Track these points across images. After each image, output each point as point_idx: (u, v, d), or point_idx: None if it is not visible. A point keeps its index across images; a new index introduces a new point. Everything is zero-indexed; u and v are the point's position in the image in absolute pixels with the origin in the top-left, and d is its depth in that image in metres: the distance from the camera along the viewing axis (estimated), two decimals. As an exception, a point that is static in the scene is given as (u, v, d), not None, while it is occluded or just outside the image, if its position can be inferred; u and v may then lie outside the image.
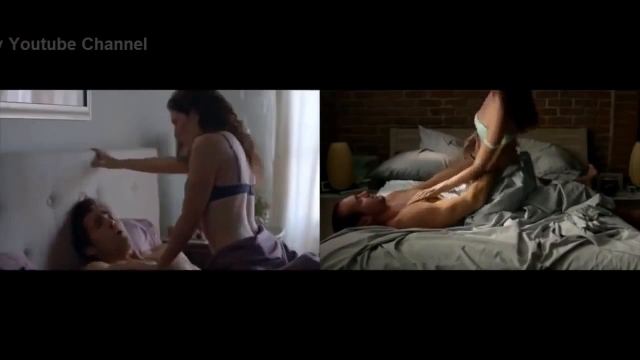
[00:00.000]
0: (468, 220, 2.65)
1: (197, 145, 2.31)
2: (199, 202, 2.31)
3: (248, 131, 2.53)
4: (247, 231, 2.41)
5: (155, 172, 3.03)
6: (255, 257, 2.32)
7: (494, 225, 2.55)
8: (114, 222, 2.47)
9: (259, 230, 2.47)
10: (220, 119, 2.42)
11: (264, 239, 2.42)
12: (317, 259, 2.28)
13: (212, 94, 2.45)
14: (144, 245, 2.74)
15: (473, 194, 2.68)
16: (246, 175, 2.42)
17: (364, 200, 2.65)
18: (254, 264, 2.30)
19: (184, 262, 2.60)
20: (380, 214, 2.65)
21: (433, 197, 2.80)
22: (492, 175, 2.73)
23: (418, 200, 2.73)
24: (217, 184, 2.31)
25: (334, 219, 2.69)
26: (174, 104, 2.44)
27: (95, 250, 2.43)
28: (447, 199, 2.73)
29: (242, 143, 2.44)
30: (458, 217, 2.66)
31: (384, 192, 3.23)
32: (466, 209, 2.67)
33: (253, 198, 2.52)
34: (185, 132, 2.43)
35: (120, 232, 2.46)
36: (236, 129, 2.45)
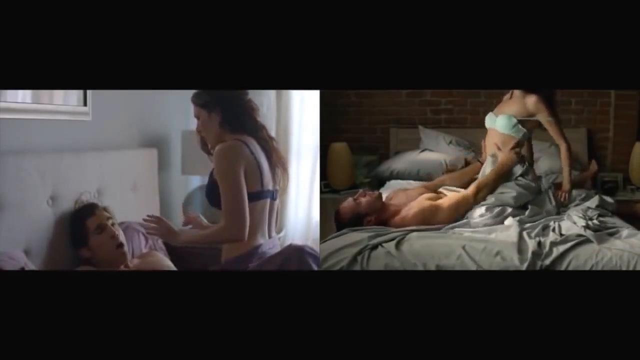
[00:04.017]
0: (469, 213, 2.66)
1: (217, 155, 2.27)
2: (242, 206, 2.22)
3: (272, 134, 2.46)
4: (263, 237, 2.38)
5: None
6: (256, 263, 2.29)
7: (494, 218, 2.56)
8: (116, 233, 2.45)
9: (270, 237, 2.44)
10: (242, 123, 2.37)
11: (269, 246, 2.39)
12: (309, 250, 2.24)
13: (237, 95, 2.39)
14: (144, 251, 2.73)
15: (475, 191, 2.69)
16: (269, 180, 2.38)
17: (363, 200, 2.64)
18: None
19: (164, 260, 2.62)
20: (382, 212, 2.65)
21: (435, 194, 2.81)
22: (496, 173, 2.74)
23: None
24: None
25: (337, 225, 2.68)
26: (197, 100, 2.39)
27: (90, 254, 2.42)
28: (449, 196, 2.73)
29: (263, 147, 2.40)
30: (460, 214, 2.67)
31: (384, 192, 3.23)
32: (468, 206, 2.68)
33: (277, 203, 2.48)
34: (206, 129, 2.40)
35: (120, 246, 2.43)
36: (258, 133, 2.40)
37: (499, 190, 2.71)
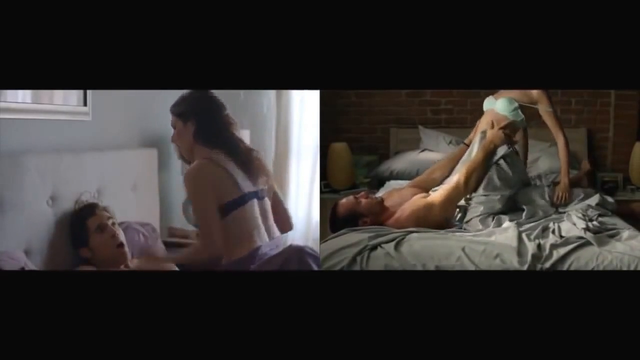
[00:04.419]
0: (466, 226, 2.65)
1: (185, 180, 2.35)
2: (210, 230, 2.31)
3: (248, 145, 2.51)
4: (261, 239, 2.39)
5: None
6: (262, 267, 2.29)
7: (494, 229, 2.55)
8: (117, 232, 2.45)
9: (271, 238, 2.46)
10: (215, 137, 2.42)
11: (271, 247, 2.40)
12: (309, 250, 2.26)
13: (214, 109, 2.44)
14: (143, 252, 2.73)
15: (465, 178, 2.68)
16: (246, 184, 2.40)
17: (363, 201, 2.64)
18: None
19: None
20: (379, 215, 2.65)
21: (426, 192, 2.80)
22: (483, 152, 2.73)
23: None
24: (222, 203, 2.34)
25: (331, 219, 2.68)
26: (174, 110, 2.45)
27: (90, 254, 2.43)
28: (440, 191, 2.72)
29: (236, 158, 2.43)
30: (454, 206, 2.67)
31: (383, 192, 3.23)
32: (460, 196, 2.68)
33: (266, 201, 2.50)
34: (180, 139, 2.46)
35: (120, 246, 2.44)
36: (231, 147, 2.44)
37: (482, 192, 2.69)
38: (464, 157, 2.86)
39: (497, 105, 2.88)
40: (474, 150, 2.80)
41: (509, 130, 2.81)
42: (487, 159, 2.74)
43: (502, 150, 2.76)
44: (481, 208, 2.65)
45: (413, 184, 3.00)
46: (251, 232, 2.35)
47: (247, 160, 2.45)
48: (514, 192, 2.75)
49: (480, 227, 2.58)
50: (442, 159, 3.15)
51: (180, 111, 2.45)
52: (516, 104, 2.83)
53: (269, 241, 2.40)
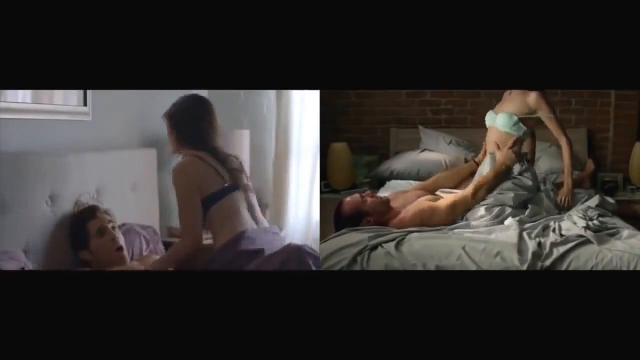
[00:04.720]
0: (467, 214, 2.66)
1: (172, 175, 2.49)
2: (191, 222, 2.45)
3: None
4: (246, 224, 2.50)
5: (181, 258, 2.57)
6: (249, 247, 2.38)
7: (493, 218, 2.55)
8: (116, 236, 2.48)
9: (257, 224, 2.56)
10: (193, 144, 2.55)
11: (257, 234, 2.47)
12: (309, 249, 2.29)
13: (196, 116, 2.56)
14: (144, 254, 2.74)
15: (474, 191, 2.68)
16: (227, 178, 2.54)
17: (369, 200, 2.64)
18: (248, 255, 2.35)
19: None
20: (383, 215, 2.64)
21: (433, 195, 2.81)
22: (494, 172, 2.74)
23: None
24: (206, 195, 2.46)
25: (336, 218, 2.67)
26: (166, 112, 2.59)
27: (89, 257, 2.43)
28: (448, 197, 2.73)
29: (217, 157, 2.55)
30: (459, 215, 2.67)
31: (384, 192, 3.23)
32: (466, 206, 2.68)
33: (250, 194, 2.61)
34: (169, 136, 2.62)
35: (119, 249, 2.48)
36: (211, 149, 2.56)
37: (497, 190, 2.71)
38: (475, 178, 2.87)
39: (498, 122, 2.87)
40: (485, 171, 2.81)
41: (517, 148, 2.82)
42: (499, 179, 2.75)
43: (517, 168, 2.78)
44: (491, 200, 2.65)
45: (418, 187, 3.01)
46: (234, 219, 2.48)
47: (226, 160, 2.58)
48: (531, 197, 2.75)
49: (483, 213, 2.58)
50: (448, 171, 3.17)
51: (168, 113, 2.59)
52: (516, 118, 2.82)
53: (256, 227, 2.51)
